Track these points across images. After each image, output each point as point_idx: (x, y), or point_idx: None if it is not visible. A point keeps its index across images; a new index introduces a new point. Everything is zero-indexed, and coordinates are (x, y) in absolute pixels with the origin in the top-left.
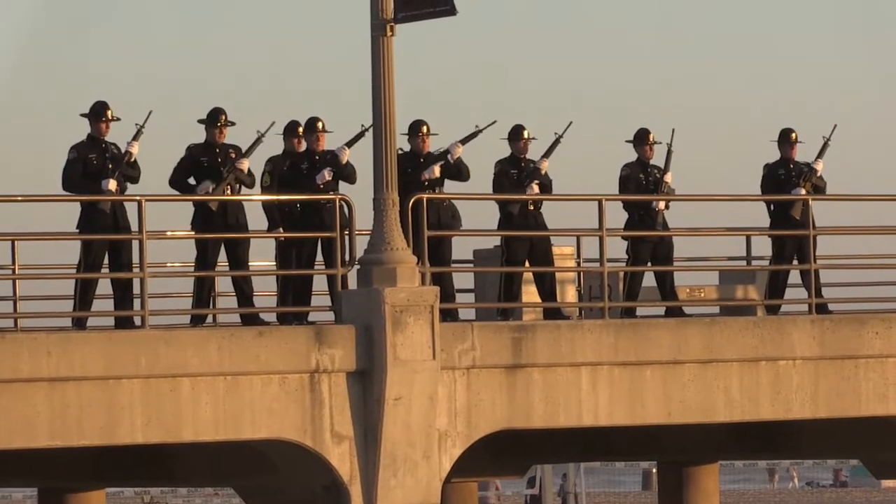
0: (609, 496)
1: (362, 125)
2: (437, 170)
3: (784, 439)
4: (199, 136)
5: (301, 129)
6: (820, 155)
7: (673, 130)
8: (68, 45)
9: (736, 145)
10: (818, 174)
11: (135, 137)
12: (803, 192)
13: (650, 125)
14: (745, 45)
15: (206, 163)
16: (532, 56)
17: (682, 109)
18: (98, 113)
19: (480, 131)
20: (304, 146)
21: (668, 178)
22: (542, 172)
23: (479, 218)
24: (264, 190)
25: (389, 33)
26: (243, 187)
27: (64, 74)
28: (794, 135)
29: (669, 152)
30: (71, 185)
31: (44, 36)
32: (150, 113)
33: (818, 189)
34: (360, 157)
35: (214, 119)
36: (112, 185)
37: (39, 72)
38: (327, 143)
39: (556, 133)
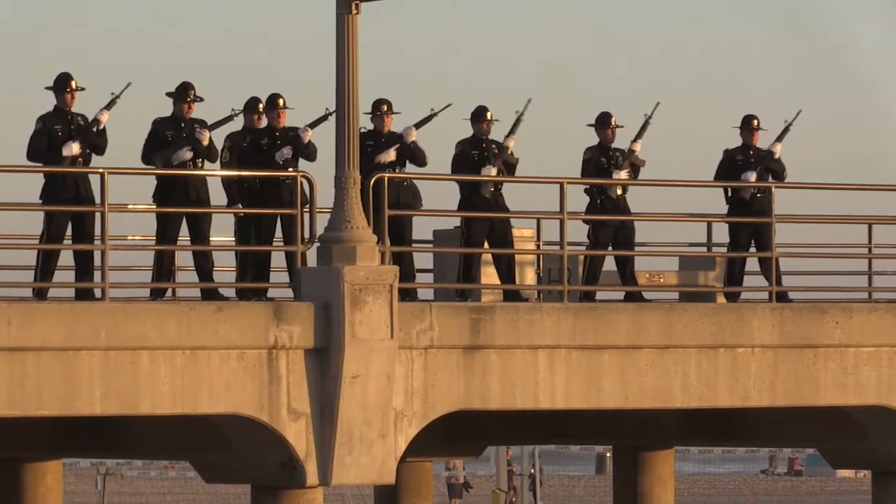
0: (563, 479)
1: (326, 109)
2: (392, 153)
3: (741, 427)
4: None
5: (262, 106)
6: (779, 139)
7: (657, 104)
8: (36, 18)
9: (702, 129)
10: (775, 157)
11: (107, 106)
12: (753, 176)
13: (614, 107)
14: (717, 40)
15: (171, 137)
16: (496, 35)
17: (650, 94)
18: (62, 84)
19: (435, 114)
20: (264, 122)
21: (637, 146)
22: (509, 151)
23: (439, 198)
24: (224, 166)
25: (354, 11)
26: (206, 162)
27: (30, 45)
28: (755, 121)
29: (646, 123)
30: (35, 156)
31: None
32: (127, 84)
33: (775, 173)
34: (323, 135)
35: (183, 94)
36: (75, 147)
37: (6, 40)
38: (288, 119)
39: (516, 111)
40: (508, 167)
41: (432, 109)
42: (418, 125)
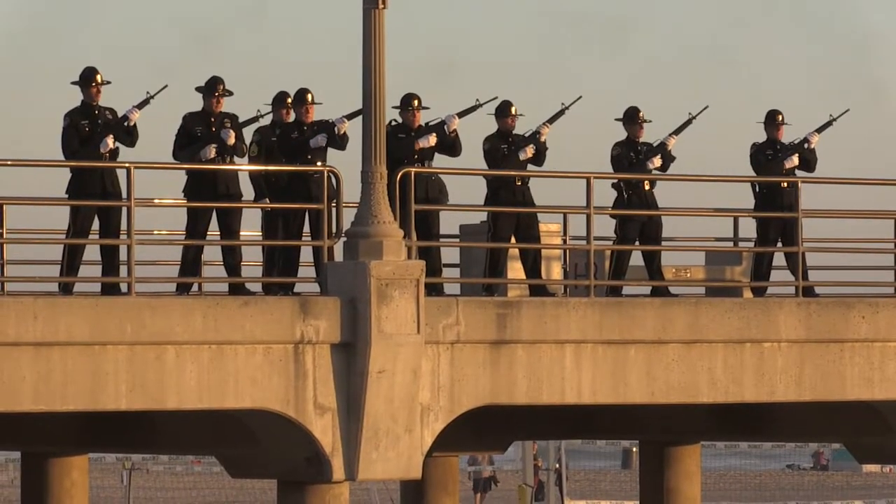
0: (589, 474)
1: (361, 108)
2: (432, 139)
3: (767, 421)
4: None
5: (290, 100)
6: (819, 130)
7: (705, 107)
8: (64, 16)
9: (725, 126)
10: (811, 146)
11: (139, 105)
12: (796, 159)
13: (638, 102)
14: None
15: (200, 132)
16: (531, 30)
17: (673, 90)
18: (87, 79)
19: (480, 105)
20: (292, 116)
21: (672, 141)
22: (542, 139)
23: (466, 193)
24: (252, 160)
25: (381, 6)
26: (235, 156)
27: (59, 40)
28: (780, 116)
29: (689, 122)
30: (70, 153)
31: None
32: (164, 86)
33: (806, 162)
34: (351, 130)
35: (212, 88)
36: (110, 142)
37: (35, 35)
38: (316, 114)
39: (563, 103)
40: (538, 153)
41: (477, 100)
42: (461, 114)
